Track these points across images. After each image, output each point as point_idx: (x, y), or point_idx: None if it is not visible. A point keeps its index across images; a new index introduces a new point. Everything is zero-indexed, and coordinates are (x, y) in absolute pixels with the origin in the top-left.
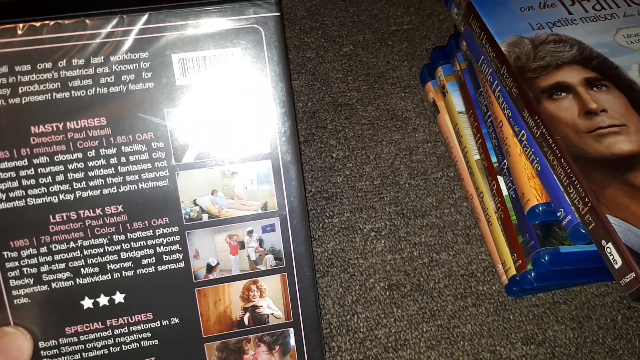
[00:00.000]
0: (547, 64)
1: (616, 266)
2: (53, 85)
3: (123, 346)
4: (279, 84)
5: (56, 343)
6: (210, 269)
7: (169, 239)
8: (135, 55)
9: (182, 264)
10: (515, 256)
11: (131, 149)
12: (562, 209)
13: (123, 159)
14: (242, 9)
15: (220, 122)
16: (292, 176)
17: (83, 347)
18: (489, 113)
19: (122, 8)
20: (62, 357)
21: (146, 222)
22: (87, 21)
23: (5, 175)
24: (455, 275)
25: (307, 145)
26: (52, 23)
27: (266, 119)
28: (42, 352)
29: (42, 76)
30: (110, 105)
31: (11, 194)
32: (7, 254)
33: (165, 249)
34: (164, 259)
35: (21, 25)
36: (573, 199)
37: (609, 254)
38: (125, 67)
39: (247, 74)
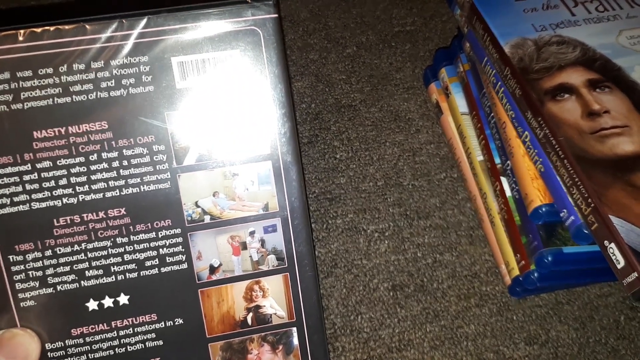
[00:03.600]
0: (550, 66)
1: (619, 266)
2: (54, 90)
3: (128, 347)
4: (278, 85)
5: (62, 344)
6: (213, 270)
7: (171, 241)
8: (135, 59)
9: (185, 266)
10: (519, 257)
11: (133, 152)
12: (565, 210)
13: (125, 162)
14: (240, 11)
15: (220, 124)
16: (293, 177)
17: (89, 348)
18: (492, 114)
19: (121, 12)
20: (69, 358)
21: (149, 224)
22: (87, 26)
23: (9, 180)
24: (459, 276)
25: (310, 147)
26: (52, 29)
27: (266, 120)
28: (48, 353)
29: (44, 81)
30: (111, 109)
31: (15, 199)
32: (12, 258)
33: (168, 250)
34: (167, 261)
35: (22, 31)
36: (576, 199)
37: (611, 254)
38: (125, 71)
39: (246, 75)
